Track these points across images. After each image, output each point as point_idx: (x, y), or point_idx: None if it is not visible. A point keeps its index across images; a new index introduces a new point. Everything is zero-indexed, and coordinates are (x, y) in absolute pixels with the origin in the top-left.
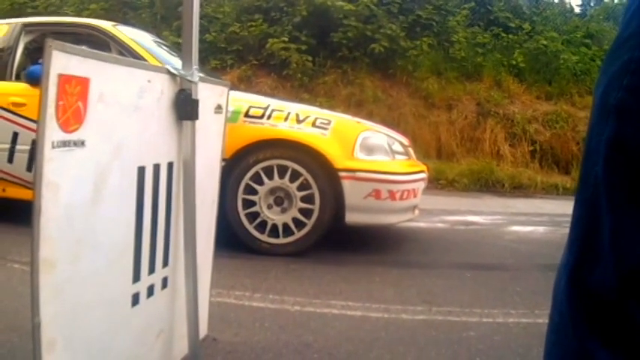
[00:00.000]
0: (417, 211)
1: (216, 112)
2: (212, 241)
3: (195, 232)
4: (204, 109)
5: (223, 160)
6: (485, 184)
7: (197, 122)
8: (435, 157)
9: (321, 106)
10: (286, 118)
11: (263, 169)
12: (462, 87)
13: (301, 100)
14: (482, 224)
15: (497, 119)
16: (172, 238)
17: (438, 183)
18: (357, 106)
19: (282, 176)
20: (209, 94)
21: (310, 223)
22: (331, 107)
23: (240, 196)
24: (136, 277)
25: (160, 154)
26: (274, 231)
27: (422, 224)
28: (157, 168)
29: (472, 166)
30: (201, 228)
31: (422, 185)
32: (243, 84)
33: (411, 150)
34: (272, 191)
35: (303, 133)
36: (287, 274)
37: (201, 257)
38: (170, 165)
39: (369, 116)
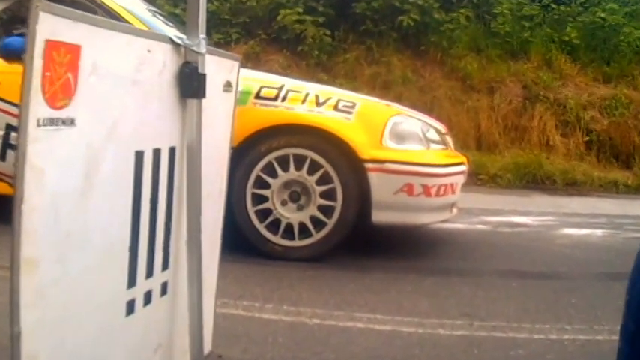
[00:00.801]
0: (455, 210)
1: (225, 90)
2: (218, 241)
3: (200, 230)
4: (212, 86)
5: (230, 147)
6: (533, 180)
7: (203, 101)
8: (475, 148)
9: (342, 87)
10: (304, 100)
11: (276, 159)
12: (505, 67)
13: (318, 81)
14: (529, 226)
15: (547, 104)
16: (174, 237)
17: (477, 178)
18: (383, 89)
19: (298, 168)
20: (217, 68)
21: (331, 222)
22: (354, 89)
23: (250, 190)
24: (132, 282)
25: (160, 137)
26: (289, 232)
27: (460, 225)
28: (157, 153)
29: (517, 159)
30: (206, 225)
31: (461, 180)
32: (251, 62)
33: (448, 138)
34: (287, 185)
35: (324, 118)
36: (303, 281)
37: (205, 260)
38: (172, 150)
39: (398, 100)
